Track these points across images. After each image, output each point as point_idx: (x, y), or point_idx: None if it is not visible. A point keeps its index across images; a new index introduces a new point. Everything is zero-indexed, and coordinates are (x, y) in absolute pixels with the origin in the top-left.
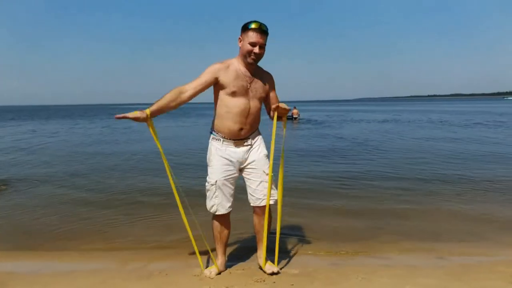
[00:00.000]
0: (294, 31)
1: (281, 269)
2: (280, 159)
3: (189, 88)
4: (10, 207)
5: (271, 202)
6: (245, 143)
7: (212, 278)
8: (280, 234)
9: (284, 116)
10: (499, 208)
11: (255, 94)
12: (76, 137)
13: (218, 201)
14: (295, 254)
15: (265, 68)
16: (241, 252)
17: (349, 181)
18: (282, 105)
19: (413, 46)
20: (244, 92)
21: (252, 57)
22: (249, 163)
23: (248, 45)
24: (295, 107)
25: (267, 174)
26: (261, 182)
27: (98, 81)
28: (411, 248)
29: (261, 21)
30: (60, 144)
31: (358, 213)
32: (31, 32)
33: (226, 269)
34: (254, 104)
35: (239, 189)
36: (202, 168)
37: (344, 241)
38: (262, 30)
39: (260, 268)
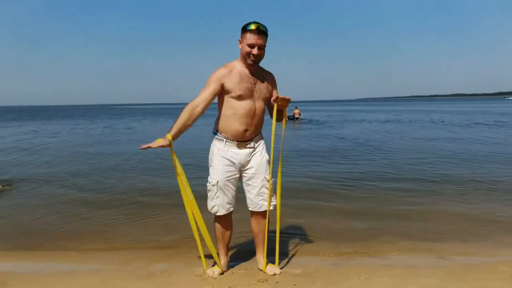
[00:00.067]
0: (294, 31)
1: (281, 268)
2: (279, 160)
3: (201, 102)
4: (11, 207)
5: (271, 208)
6: (248, 145)
7: (215, 278)
8: (281, 234)
9: (284, 108)
10: (502, 208)
11: (259, 95)
12: (78, 137)
13: (219, 202)
14: (296, 254)
15: (266, 68)
16: (244, 252)
17: (350, 181)
18: (282, 96)
19: (413, 46)
20: (249, 94)
21: (251, 58)
22: (250, 167)
23: (247, 47)
24: (296, 107)
25: (268, 180)
26: (261, 187)
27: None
28: (412, 248)
29: (260, 22)
30: (61, 144)
31: (358, 214)
32: (31, 32)
33: (228, 269)
34: (259, 105)
35: (240, 189)
36: (202, 168)
37: (344, 241)
38: (260, 31)
39: (261, 271)
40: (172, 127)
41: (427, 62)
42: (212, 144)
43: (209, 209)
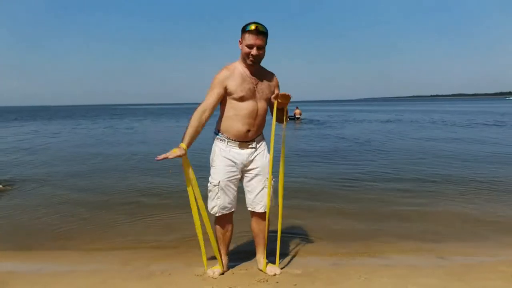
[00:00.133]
0: (294, 31)
1: (281, 269)
2: (280, 160)
3: (208, 106)
4: (11, 207)
5: (271, 207)
6: (250, 146)
7: (215, 278)
8: (281, 234)
9: (285, 106)
10: (502, 208)
11: (261, 95)
12: (79, 138)
13: (220, 202)
14: (296, 254)
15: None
16: (244, 252)
17: (350, 182)
18: (282, 93)
19: (413, 46)
20: (251, 94)
21: (250, 58)
22: (254, 168)
23: (246, 47)
24: (297, 107)
25: (268, 181)
26: (263, 188)
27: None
28: (412, 248)
29: (259, 22)
30: (62, 144)
31: (358, 214)
32: (31, 32)
33: (228, 269)
34: (261, 105)
35: (240, 189)
36: (202, 168)
37: (344, 242)
38: (259, 31)
39: (261, 271)
40: (184, 136)
41: (428, 62)
42: (214, 144)
43: (209, 210)
